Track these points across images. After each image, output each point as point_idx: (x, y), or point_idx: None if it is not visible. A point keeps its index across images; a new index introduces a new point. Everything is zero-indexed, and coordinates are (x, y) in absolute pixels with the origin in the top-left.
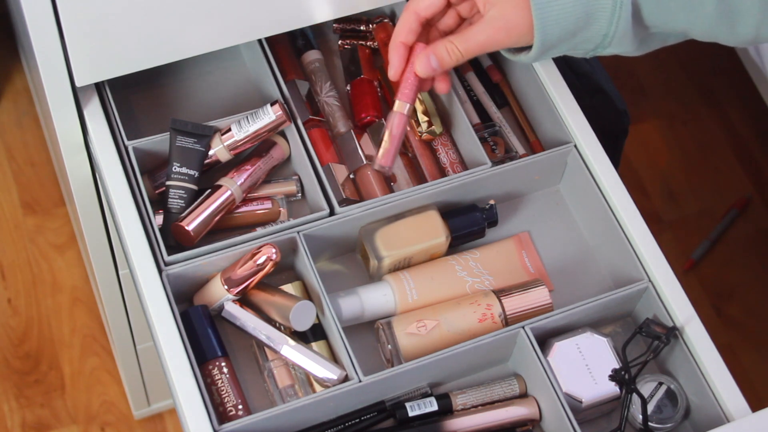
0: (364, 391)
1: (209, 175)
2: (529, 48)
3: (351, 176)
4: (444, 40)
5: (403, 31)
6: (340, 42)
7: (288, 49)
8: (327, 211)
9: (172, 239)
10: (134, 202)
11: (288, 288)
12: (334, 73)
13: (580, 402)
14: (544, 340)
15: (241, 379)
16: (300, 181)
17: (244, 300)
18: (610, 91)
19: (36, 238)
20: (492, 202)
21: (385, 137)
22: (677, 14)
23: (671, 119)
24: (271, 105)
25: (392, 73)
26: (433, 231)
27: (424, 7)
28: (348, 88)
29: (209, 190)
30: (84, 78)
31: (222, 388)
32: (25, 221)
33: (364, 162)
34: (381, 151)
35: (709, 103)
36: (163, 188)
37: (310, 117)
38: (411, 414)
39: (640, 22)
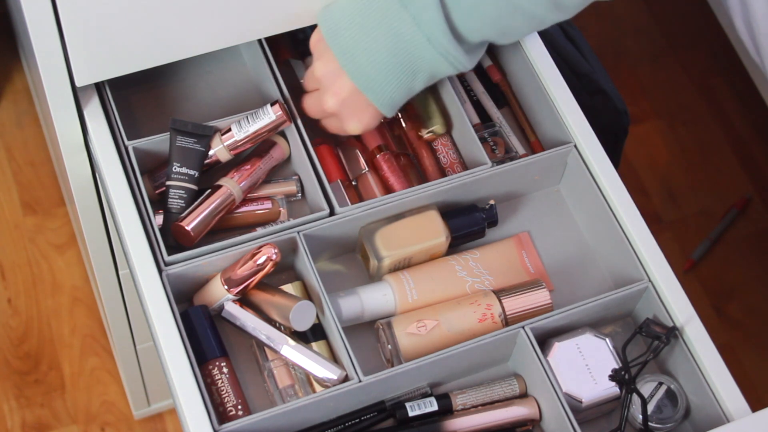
0: (364, 391)
1: (209, 175)
2: None
3: (353, 183)
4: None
5: None
6: None
7: (288, 49)
8: (327, 211)
9: (172, 239)
10: (134, 202)
11: (288, 288)
12: None
13: (580, 402)
14: (544, 340)
15: (241, 379)
16: (300, 181)
17: (244, 300)
18: (610, 91)
19: (36, 238)
20: (492, 202)
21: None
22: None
23: (671, 119)
24: (271, 105)
25: None
26: (433, 231)
27: None
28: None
29: (209, 190)
30: (84, 78)
31: (222, 388)
32: (25, 221)
33: (366, 170)
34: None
35: (709, 103)
36: (163, 188)
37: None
38: (411, 414)
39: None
